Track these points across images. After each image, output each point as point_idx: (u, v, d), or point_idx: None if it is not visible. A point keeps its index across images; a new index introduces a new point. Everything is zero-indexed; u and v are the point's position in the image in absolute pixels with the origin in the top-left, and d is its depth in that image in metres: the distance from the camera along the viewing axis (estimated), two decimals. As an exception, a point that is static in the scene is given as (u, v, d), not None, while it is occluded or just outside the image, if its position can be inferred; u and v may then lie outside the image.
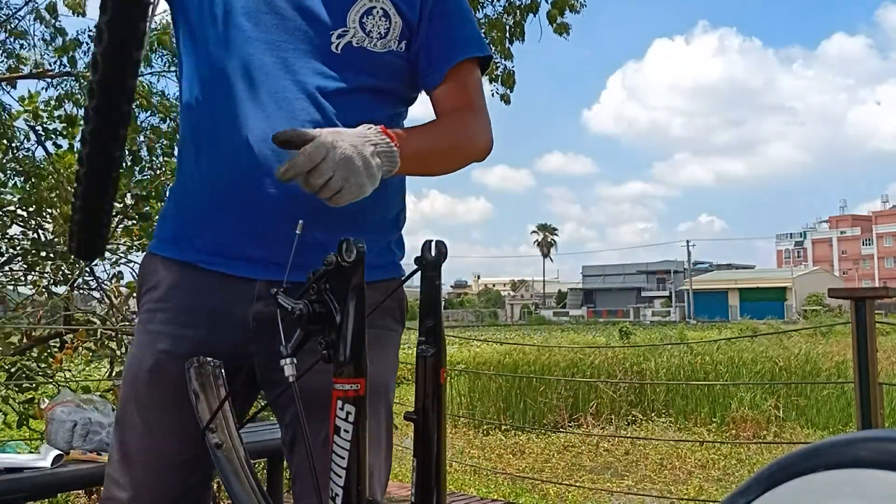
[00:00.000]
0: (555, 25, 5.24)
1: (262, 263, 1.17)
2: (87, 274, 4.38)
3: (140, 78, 5.58)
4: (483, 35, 1.37)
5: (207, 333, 1.19)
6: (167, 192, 1.39)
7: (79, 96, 5.35)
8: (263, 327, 1.16)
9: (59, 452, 2.23)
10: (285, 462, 1.34)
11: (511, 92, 5.57)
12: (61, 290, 4.40)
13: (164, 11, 5.89)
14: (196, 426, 1.09)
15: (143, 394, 1.19)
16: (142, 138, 5.34)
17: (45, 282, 4.42)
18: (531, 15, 5.23)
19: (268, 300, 1.14)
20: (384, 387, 1.22)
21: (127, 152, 5.35)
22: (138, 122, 5.49)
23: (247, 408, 1.29)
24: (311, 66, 1.17)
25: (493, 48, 5.33)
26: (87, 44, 5.67)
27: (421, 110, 1.34)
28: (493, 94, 5.67)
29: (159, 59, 5.61)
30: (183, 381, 1.11)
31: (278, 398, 1.18)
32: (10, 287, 4.57)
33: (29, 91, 4.54)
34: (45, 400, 3.70)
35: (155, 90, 5.64)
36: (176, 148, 1.47)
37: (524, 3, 5.24)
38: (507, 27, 5.29)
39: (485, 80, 5.81)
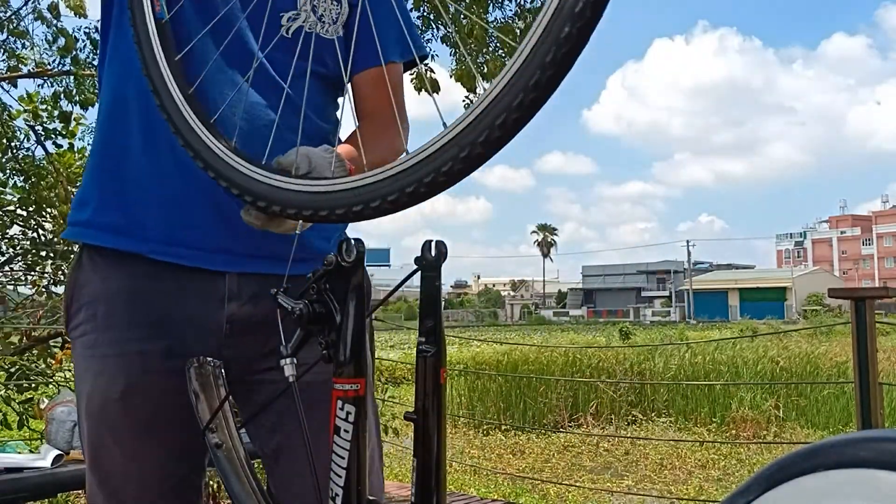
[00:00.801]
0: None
1: (228, 254, 1.07)
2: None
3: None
4: (418, 34, 1.32)
5: (176, 343, 1.07)
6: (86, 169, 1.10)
7: (75, 95, 5.36)
8: (239, 330, 1.09)
9: (59, 452, 2.23)
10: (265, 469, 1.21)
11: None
12: (61, 290, 4.40)
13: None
14: (182, 443, 1.05)
15: (119, 423, 1.07)
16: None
17: (45, 282, 4.42)
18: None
19: (241, 300, 1.09)
20: (370, 388, 1.21)
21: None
22: None
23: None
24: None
25: (503, 52, 5.32)
26: (85, 41, 5.67)
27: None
28: None
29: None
30: (162, 398, 1.04)
31: (258, 404, 1.11)
32: (10, 287, 4.57)
33: (27, 91, 4.55)
34: (45, 400, 3.70)
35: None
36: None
37: (534, 6, 5.22)
38: (518, 31, 5.26)
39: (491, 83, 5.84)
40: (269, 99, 1.08)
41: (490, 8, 5.32)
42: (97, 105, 1.21)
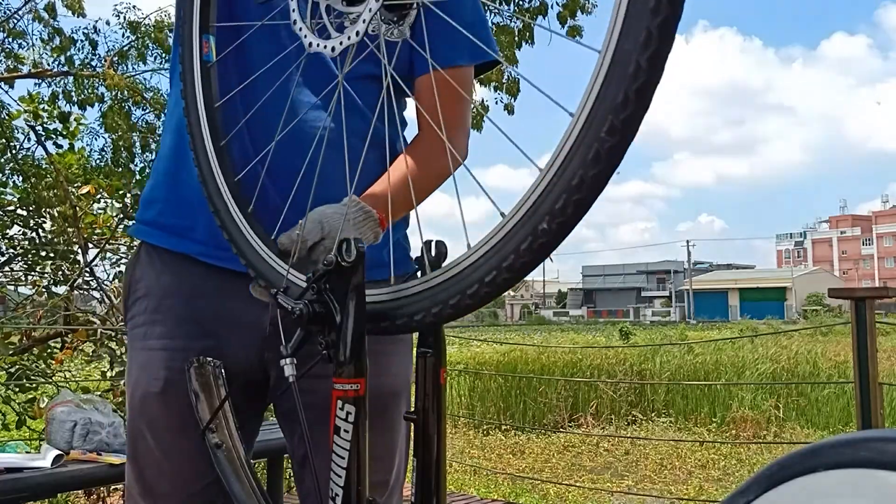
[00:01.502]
0: (566, 28, 5.20)
1: None
2: (86, 274, 4.38)
3: (134, 76, 5.60)
4: (491, 35, 1.27)
5: (219, 343, 1.09)
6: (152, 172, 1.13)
7: (73, 94, 5.37)
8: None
9: (59, 452, 2.23)
10: (285, 466, 1.23)
11: (515, 100, 5.54)
12: (61, 290, 4.40)
13: (157, 10, 5.91)
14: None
15: (157, 418, 1.09)
16: (136, 136, 5.35)
17: (45, 282, 4.42)
18: (540, 17, 5.20)
19: None
20: (408, 387, 1.19)
21: (122, 150, 5.36)
22: (132, 120, 5.51)
23: (257, 426, 1.20)
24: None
25: (501, 54, 5.32)
26: (82, 41, 5.69)
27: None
28: (496, 103, 5.66)
29: (152, 55, 5.63)
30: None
31: (291, 408, 1.11)
32: (11, 287, 4.57)
33: (28, 91, 4.56)
34: (45, 400, 3.70)
35: (149, 86, 5.66)
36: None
37: (533, 5, 5.21)
38: (517, 30, 5.25)
39: (490, 88, 5.72)
40: (329, 104, 1.07)
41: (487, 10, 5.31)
42: (167, 108, 1.22)
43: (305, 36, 0.85)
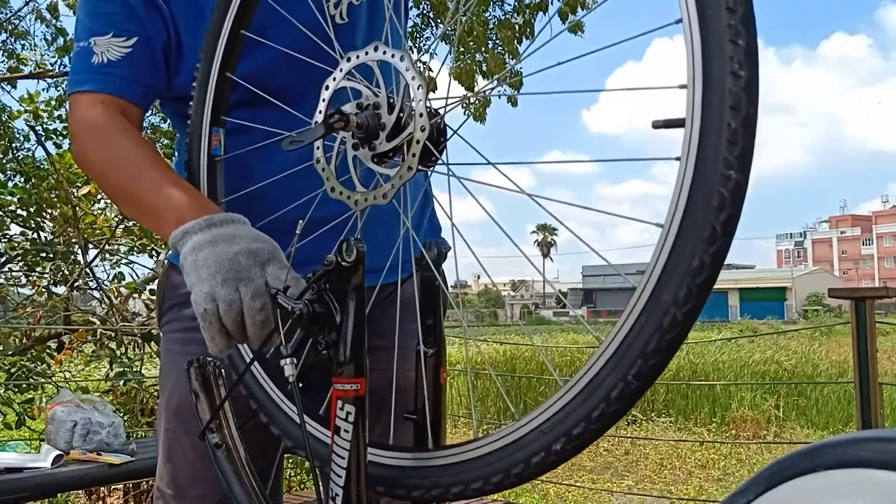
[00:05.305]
0: (567, 24, 5.21)
1: (316, 265, 1.07)
2: (86, 274, 4.38)
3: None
4: None
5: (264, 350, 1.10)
6: None
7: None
8: None
9: (59, 452, 2.23)
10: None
11: (518, 93, 5.56)
12: (61, 290, 4.40)
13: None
14: (252, 458, 1.04)
15: (195, 424, 1.07)
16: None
17: (44, 282, 4.42)
18: (541, 13, 5.22)
19: None
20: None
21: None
22: None
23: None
24: None
25: (503, 49, 5.33)
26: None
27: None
28: (499, 97, 5.67)
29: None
30: (239, 402, 1.04)
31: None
32: (11, 287, 4.57)
33: (28, 92, 4.55)
34: (45, 400, 3.70)
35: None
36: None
37: (534, 1, 5.23)
38: (517, 26, 5.26)
39: (492, 81, 5.76)
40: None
41: (490, 6, 5.32)
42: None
43: (328, 179, 0.83)
